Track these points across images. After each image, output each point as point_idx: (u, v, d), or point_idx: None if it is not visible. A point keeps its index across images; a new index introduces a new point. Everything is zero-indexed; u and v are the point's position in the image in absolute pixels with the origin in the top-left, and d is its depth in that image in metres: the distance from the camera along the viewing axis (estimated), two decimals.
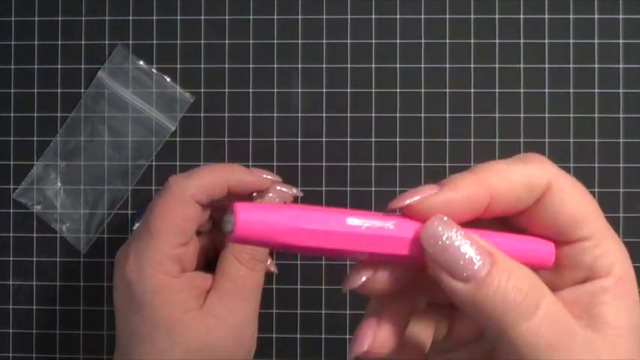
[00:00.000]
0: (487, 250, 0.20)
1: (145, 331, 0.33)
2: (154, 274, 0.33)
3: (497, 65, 0.42)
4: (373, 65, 0.42)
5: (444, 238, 0.20)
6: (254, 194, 0.36)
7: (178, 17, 0.43)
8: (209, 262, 0.38)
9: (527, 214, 0.22)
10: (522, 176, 0.22)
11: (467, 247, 0.20)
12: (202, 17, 0.43)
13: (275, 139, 0.42)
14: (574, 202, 0.22)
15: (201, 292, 0.34)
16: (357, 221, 0.20)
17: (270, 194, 0.36)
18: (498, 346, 0.20)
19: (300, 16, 0.43)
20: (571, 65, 0.42)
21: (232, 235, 0.19)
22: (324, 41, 0.43)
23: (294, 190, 0.37)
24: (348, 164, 0.42)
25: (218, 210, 0.38)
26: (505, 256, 0.20)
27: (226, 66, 0.43)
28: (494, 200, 0.21)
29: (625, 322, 0.21)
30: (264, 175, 0.36)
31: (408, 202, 0.21)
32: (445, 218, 0.20)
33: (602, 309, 0.21)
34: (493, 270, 0.19)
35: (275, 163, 0.42)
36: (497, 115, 0.42)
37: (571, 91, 0.42)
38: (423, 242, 0.20)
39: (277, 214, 0.19)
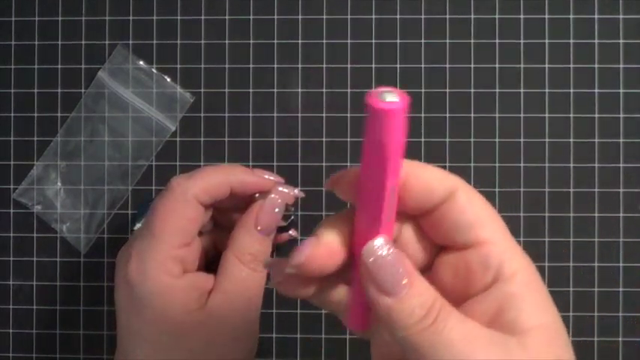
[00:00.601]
0: (409, 272, 0.23)
1: (146, 332, 0.33)
2: (157, 275, 0.33)
3: (497, 65, 0.42)
4: (373, 65, 0.42)
5: (381, 255, 0.23)
6: (256, 195, 0.36)
7: (178, 17, 0.43)
8: (210, 262, 0.38)
9: (440, 213, 0.24)
10: (428, 176, 0.25)
11: (397, 268, 0.23)
12: (202, 17, 0.43)
13: (275, 139, 0.43)
14: (479, 203, 0.24)
15: (203, 292, 0.34)
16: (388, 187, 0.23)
17: (272, 195, 0.36)
18: (406, 352, 0.22)
19: (300, 16, 0.43)
20: (571, 65, 0.42)
21: (390, 107, 0.21)
22: (324, 41, 0.43)
23: (296, 191, 0.37)
24: (348, 164, 0.42)
25: (219, 211, 0.38)
26: (419, 277, 0.23)
27: (226, 66, 0.43)
28: (409, 190, 0.24)
29: (536, 322, 0.23)
30: (266, 176, 0.36)
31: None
32: (385, 240, 0.23)
33: (512, 313, 0.23)
34: (410, 290, 0.22)
35: (275, 163, 0.42)
36: (497, 115, 0.42)
37: (571, 91, 0.42)
38: (363, 256, 0.23)
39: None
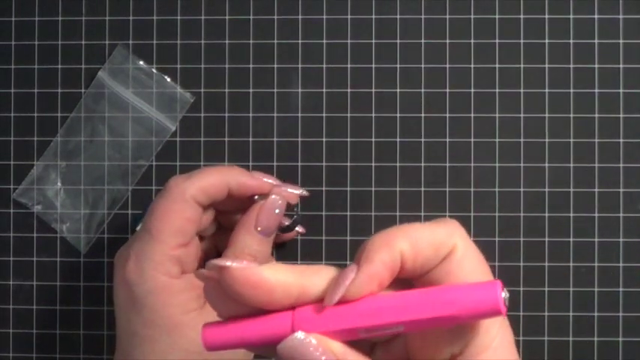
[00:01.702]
0: (336, 355, 0.21)
1: (145, 333, 0.33)
2: (155, 275, 0.33)
3: (497, 65, 0.42)
4: (373, 65, 0.42)
5: (302, 352, 0.21)
6: (255, 197, 0.36)
7: (178, 17, 0.43)
8: None
9: (429, 274, 0.23)
10: (429, 238, 0.22)
11: (318, 353, 0.21)
12: (202, 17, 0.43)
13: (275, 139, 0.43)
14: (471, 268, 0.22)
15: (202, 292, 0.34)
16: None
17: (273, 196, 0.36)
18: None
19: (300, 16, 0.43)
20: (571, 65, 0.42)
21: (505, 309, 0.21)
22: (324, 41, 0.43)
23: (299, 191, 0.37)
24: (348, 164, 0.42)
25: (222, 213, 0.38)
26: (351, 355, 0.21)
27: (226, 66, 0.43)
28: (404, 261, 0.22)
29: None
30: (265, 179, 0.36)
31: (336, 298, 0.21)
32: (299, 336, 0.21)
33: None
34: None
35: (275, 163, 0.42)
36: (497, 115, 0.42)
37: (571, 91, 0.42)
38: (278, 352, 0.21)
39: None
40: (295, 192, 0.37)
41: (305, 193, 0.38)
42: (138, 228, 0.40)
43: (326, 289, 0.22)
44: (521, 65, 0.42)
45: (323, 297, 0.22)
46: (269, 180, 0.36)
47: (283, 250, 0.42)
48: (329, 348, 0.21)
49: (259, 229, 0.35)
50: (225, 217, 0.38)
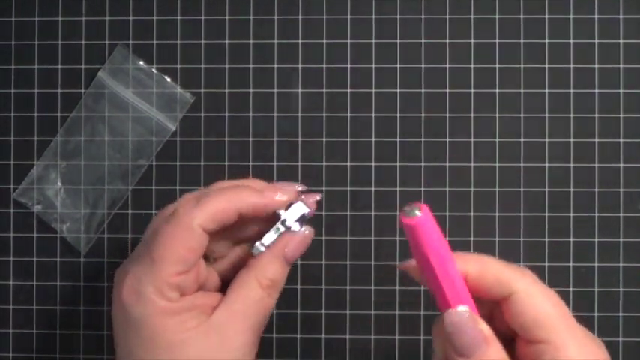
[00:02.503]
0: (486, 336, 0.26)
1: (143, 351, 0.32)
2: (152, 299, 0.32)
3: (497, 65, 0.42)
4: (373, 65, 0.42)
5: (461, 324, 0.26)
6: (282, 212, 0.36)
7: (178, 17, 0.43)
8: (225, 284, 0.37)
9: (503, 307, 0.28)
10: (495, 271, 0.28)
11: (474, 335, 0.26)
12: (202, 17, 0.43)
13: (275, 139, 0.43)
14: (536, 305, 0.27)
15: (204, 309, 0.34)
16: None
17: (307, 231, 0.36)
18: None
19: (300, 16, 0.43)
20: (571, 65, 0.42)
21: (412, 222, 0.26)
22: (324, 41, 0.43)
23: (317, 198, 0.37)
24: (348, 164, 0.42)
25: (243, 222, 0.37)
26: (495, 342, 0.27)
27: (226, 66, 0.43)
28: (470, 279, 0.28)
29: None
30: (277, 197, 0.36)
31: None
32: (465, 309, 0.27)
33: None
34: (485, 353, 0.26)
35: (275, 163, 0.42)
36: (497, 115, 0.42)
37: (571, 91, 0.42)
38: (444, 324, 0.27)
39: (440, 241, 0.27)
40: (314, 199, 0.37)
41: (303, 187, 0.38)
42: None
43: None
44: (521, 65, 0.42)
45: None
46: (283, 197, 0.36)
47: None
48: (479, 325, 0.27)
49: (287, 257, 0.35)
50: (245, 225, 0.37)
